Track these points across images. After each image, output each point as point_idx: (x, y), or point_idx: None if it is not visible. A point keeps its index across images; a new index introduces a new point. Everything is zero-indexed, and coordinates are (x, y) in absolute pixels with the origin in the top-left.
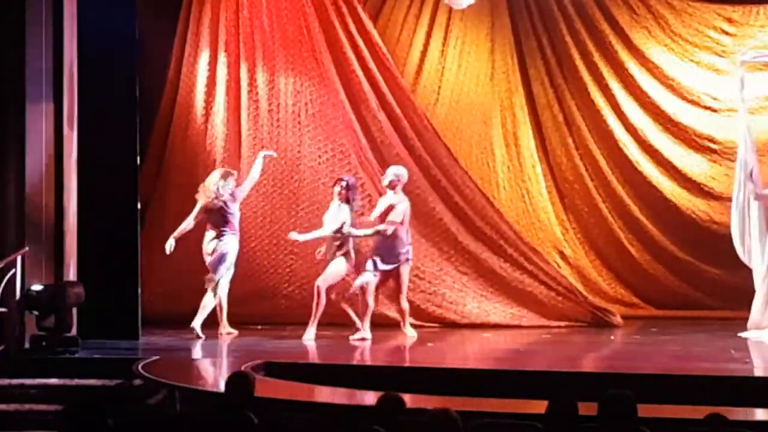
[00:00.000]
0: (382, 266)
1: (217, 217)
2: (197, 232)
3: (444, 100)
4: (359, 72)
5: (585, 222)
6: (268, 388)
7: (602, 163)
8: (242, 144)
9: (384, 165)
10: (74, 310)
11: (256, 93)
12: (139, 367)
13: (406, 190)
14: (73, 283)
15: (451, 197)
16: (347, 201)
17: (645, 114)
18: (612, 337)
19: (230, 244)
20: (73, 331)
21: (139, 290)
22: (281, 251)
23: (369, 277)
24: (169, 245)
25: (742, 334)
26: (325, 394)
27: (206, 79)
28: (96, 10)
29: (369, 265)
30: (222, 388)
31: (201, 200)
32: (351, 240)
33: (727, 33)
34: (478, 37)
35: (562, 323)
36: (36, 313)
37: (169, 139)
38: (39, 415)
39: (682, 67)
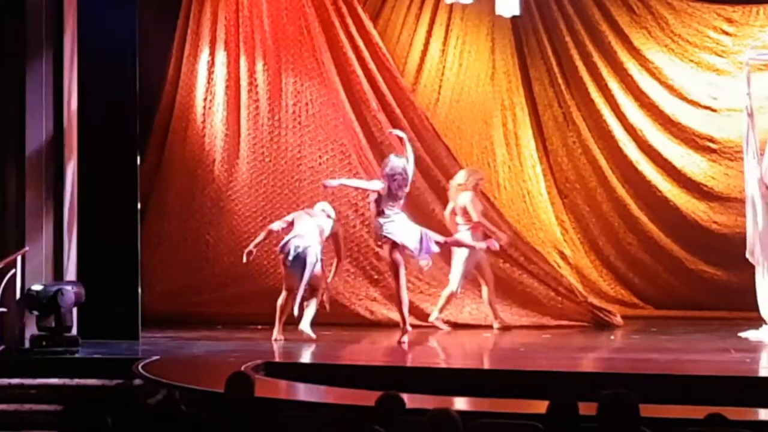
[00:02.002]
0: None
1: None
2: (199, 230)
3: (444, 100)
4: (359, 72)
5: (585, 222)
6: (268, 388)
7: (602, 163)
8: (242, 144)
9: None
10: (74, 310)
11: (256, 93)
12: (139, 367)
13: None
14: (73, 283)
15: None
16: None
17: (645, 114)
18: (612, 337)
19: None
20: (73, 331)
21: (139, 290)
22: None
23: None
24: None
25: (742, 334)
26: (325, 394)
27: (206, 78)
28: (96, 10)
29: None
30: (222, 388)
31: None
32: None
33: (727, 33)
34: (479, 36)
35: (562, 323)
36: (36, 313)
37: (169, 139)
38: (39, 415)
39: (681, 68)
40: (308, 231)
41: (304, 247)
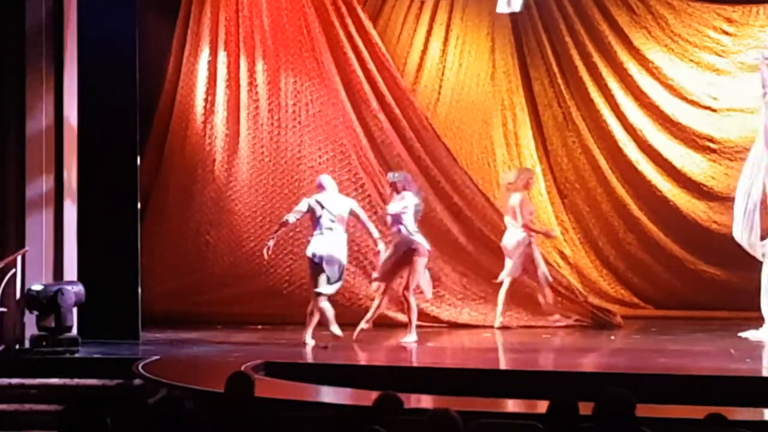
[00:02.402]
0: None
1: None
2: (198, 230)
3: (444, 100)
4: (359, 72)
5: (585, 222)
6: (268, 388)
7: (602, 163)
8: (242, 144)
9: (384, 165)
10: (74, 310)
11: (256, 93)
12: (139, 367)
13: None
14: (73, 283)
15: (450, 197)
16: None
17: (644, 114)
18: (612, 337)
19: None
20: (73, 331)
21: (139, 290)
22: (281, 251)
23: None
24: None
25: (742, 334)
26: (325, 394)
27: (206, 78)
28: (96, 10)
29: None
30: (222, 388)
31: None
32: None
33: (726, 33)
34: (479, 36)
35: (562, 323)
36: (36, 313)
37: (169, 139)
38: (39, 415)
39: (681, 67)
40: (337, 230)
41: (342, 260)
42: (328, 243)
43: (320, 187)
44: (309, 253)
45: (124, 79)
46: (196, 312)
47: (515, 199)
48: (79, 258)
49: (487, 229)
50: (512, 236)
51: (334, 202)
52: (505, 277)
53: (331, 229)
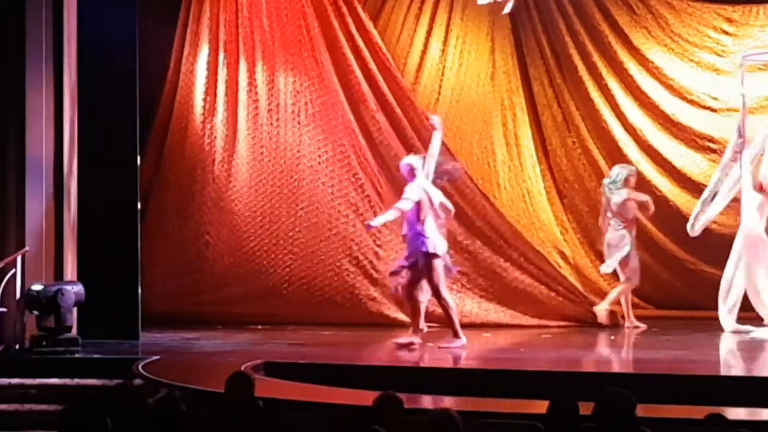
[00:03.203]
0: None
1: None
2: (198, 230)
3: (444, 100)
4: (358, 72)
5: (585, 222)
6: (268, 388)
7: (602, 163)
8: (241, 144)
9: (383, 165)
10: (74, 310)
11: (256, 93)
12: (139, 367)
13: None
14: (73, 283)
15: (450, 197)
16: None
17: (644, 114)
18: (612, 337)
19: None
20: (73, 331)
21: (139, 290)
22: (281, 251)
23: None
24: None
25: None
26: (325, 394)
27: (205, 78)
28: (96, 10)
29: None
30: (222, 388)
31: None
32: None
33: (727, 33)
34: (479, 36)
35: (562, 323)
36: (36, 313)
37: (168, 139)
38: (39, 415)
39: (681, 67)
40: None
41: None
42: (441, 236)
43: (411, 174)
44: (436, 249)
45: (124, 79)
46: (196, 312)
47: (623, 196)
48: (79, 258)
49: (487, 229)
50: (617, 235)
51: (434, 192)
52: (624, 282)
53: (437, 222)
